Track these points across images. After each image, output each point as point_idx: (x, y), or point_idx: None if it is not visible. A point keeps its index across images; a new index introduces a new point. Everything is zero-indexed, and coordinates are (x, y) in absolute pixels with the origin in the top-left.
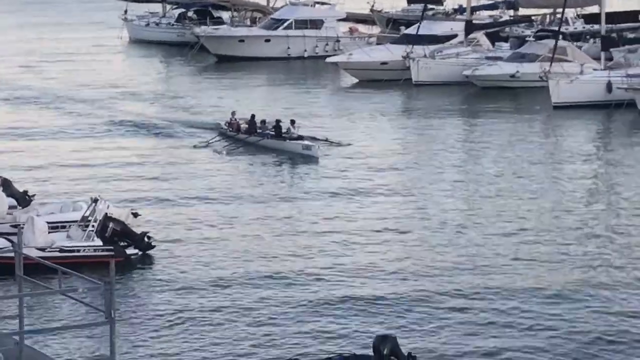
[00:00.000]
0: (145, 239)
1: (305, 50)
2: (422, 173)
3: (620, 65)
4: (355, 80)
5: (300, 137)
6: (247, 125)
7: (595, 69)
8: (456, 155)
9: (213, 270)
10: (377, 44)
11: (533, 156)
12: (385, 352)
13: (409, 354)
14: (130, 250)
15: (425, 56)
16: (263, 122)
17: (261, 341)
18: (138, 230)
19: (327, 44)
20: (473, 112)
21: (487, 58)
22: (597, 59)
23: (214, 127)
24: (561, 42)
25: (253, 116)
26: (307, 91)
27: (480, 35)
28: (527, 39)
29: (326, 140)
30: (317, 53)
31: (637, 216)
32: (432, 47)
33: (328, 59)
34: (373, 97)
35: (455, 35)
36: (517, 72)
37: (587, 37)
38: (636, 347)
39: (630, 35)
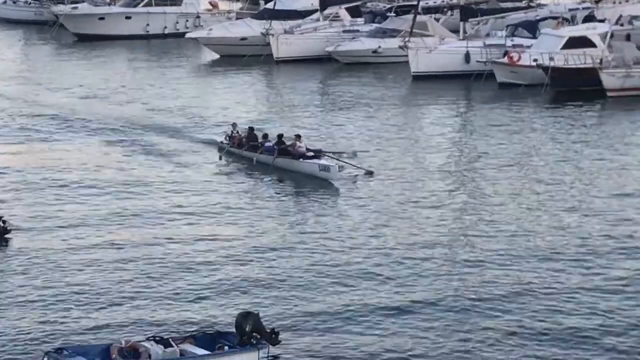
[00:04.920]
0: (1, 223)
1: (166, 27)
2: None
3: (478, 36)
4: (217, 56)
5: (316, 155)
6: (244, 138)
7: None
8: (317, 125)
9: (73, 254)
10: (237, 19)
11: (390, 125)
12: (247, 329)
13: (272, 329)
14: None
15: (284, 32)
16: (265, 136)
17: (120, 321)
18: None
19: (187, 21)
20: (335, 86)
21: (345, 32)
22: (455, 31)
23: (215, 144)
24: (421, 17)
25: (252, 129)
26: (169, 68)
27: (340, 10)
28: (387, 14)
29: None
30: (177, 30)
31: (495, 184)
32: (291, 23)
33: (188, 35)
34: (235, 73)
35: (315, 10)
36: (379, 47)
37: (445, 10)
38: None
39: (484, 7)
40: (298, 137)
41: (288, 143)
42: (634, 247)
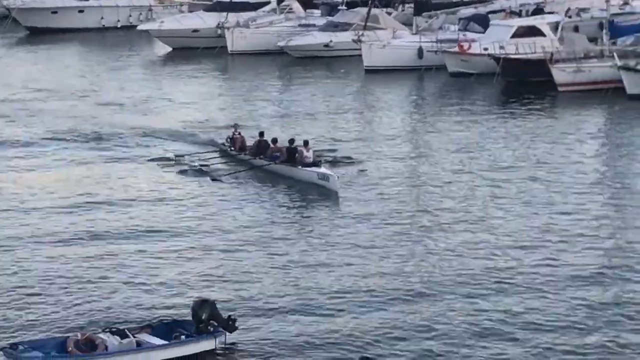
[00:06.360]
0: None
1: (119, 20)
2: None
3: (431, 30)
4: (169, 49)
5: (317, 163)
6: (251, 146)
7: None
8: (273, 119)
9: (29, 251)
10: (190, 11)
11: (344, 118)
12: (204, 317)
13: (229, 316)
14: None
15: (239, 25)
16: (274, 140)
17: (78, 314)
18: None
19: (140, 14)
20: (289, 80)
21: (300, 26)
22: (407, 25)
23: (213, 144)
24: (373, 10)
25: (262, 134)
26: (121, 61)
27: (293, 2)
28: (339, 7)
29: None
30: (131, 23)
31: (451, 175)
32: (245, 16)
33: (140, 27)
34: (190, 67)
35: (268, 2)
36: (331, 41)
37: (397, 4)
38: None
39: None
40: (306, 143)
41: (299, 149)
42: (584, 240)
